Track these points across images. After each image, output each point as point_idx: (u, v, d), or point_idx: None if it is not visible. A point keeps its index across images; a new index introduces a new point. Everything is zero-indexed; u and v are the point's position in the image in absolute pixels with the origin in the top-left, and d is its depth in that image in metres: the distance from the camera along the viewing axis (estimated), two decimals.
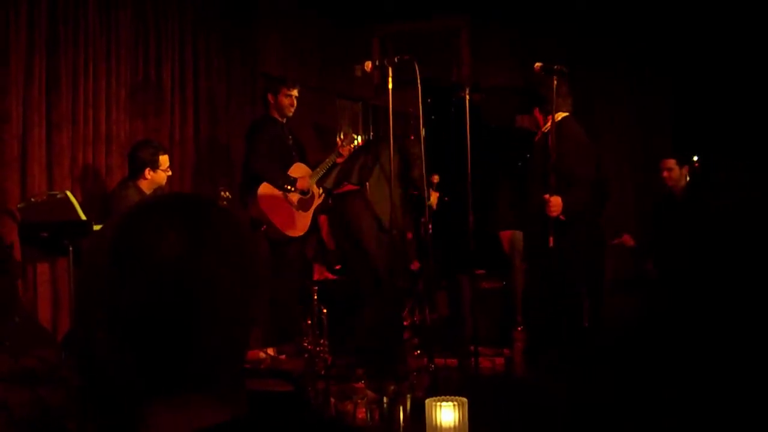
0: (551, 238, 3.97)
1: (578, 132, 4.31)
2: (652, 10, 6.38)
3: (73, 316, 3.42)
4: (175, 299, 0.82)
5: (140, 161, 4.33)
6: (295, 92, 4.96)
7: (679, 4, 6.26)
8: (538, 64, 3.97)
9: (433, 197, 5.02)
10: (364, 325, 4.22)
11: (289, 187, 4.82)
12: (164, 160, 4.39)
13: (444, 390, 2.83)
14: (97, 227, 3.85)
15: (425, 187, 4.32)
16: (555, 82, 3.93)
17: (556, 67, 3.95)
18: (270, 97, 4.97)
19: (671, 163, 5.19)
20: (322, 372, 3.53)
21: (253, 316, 0.90)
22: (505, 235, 5.22)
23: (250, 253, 0.90)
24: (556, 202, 4.04)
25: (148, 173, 4.32)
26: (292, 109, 4.98)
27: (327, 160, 5.14)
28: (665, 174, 5.21)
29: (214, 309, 0.84)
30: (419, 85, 3.76)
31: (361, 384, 3.20)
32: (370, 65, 3.95)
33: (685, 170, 5.24)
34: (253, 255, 0.91)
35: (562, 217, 4.04)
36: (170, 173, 4.48)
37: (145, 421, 0.86)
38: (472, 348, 4.01)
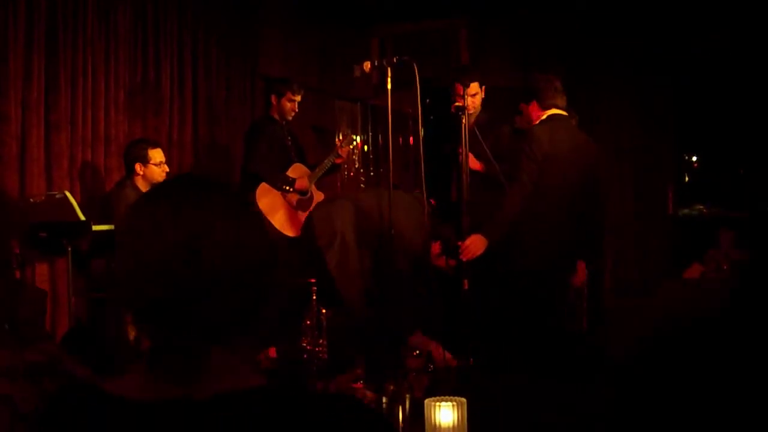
0: (465, 281, 3.68)
1: (548, 138, 3.78)
2: (652, 10, 6.37)
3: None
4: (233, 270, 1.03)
5: (131, 157, 4.34)
6: (299, 98, 4.99)
7: (679, 3, 6.26)
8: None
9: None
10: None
11: (287, 188, 4.82)
12: (154, 153, 4.36)
13: (443, 390, 2.82)
14: (97, 228, 3.85)
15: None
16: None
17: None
18: (273, 98, 4.99)
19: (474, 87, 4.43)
20: (321, 372, 3.52)
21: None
22: None
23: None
24: (474, 243, 3.71)
25: (139, 168, 4.31)
26: (293, 114, 5.01)
27: (326, 160, 5.14)
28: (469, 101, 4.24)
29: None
30: (418, 86, 3.74)
31: (359, 384, 3.18)
32: (369, 66, 3.94)
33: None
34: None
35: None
36: (167, 169, 4.43)
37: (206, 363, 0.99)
38: (471, 348, 3.99)
